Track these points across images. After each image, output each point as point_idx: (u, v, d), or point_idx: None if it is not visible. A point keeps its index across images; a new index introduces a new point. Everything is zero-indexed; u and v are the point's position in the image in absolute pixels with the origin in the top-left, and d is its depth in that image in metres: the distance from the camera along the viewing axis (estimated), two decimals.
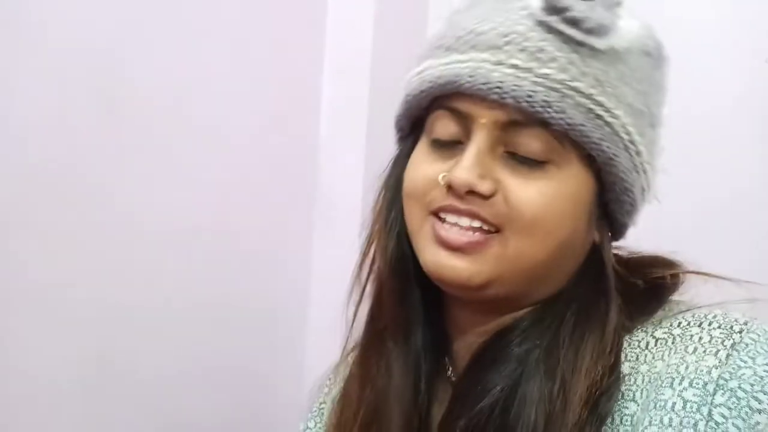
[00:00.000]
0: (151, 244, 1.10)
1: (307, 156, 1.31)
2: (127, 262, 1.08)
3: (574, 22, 0.57)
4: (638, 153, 0.61)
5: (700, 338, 0.57)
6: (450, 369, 0.68)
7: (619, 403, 0.58)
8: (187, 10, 1.14)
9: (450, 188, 0.59)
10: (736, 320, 0.58)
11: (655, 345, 0.59)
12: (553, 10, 0.57)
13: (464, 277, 0.59)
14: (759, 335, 0.56)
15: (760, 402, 0.53)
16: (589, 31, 0.57)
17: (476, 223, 0.59)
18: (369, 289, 0.70)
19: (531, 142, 0.58)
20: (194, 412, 1.14)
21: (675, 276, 0.64)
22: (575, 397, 0.57)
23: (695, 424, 0.53)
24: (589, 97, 0.57)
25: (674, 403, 0.55)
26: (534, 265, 0.60)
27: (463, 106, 0.59)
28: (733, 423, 0.53)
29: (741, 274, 0.61)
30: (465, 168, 0.58)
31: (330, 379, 0.78)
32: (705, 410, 0.54)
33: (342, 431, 0.69)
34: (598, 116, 0.58)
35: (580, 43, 0.57)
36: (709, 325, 0.58)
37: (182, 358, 1.14)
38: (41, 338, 0.99)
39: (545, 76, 0.57)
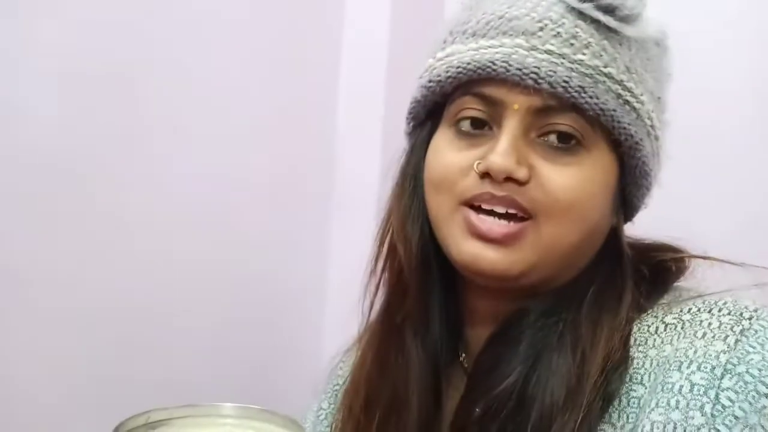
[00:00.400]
0: (171, 235, 1.11)
1: (325, 145, 1.32)
2: (147, 252, 1.09)
3: (608, 10, 0.58)
4: (657, 138, 0.63)
5: (710, 324, 0.58)
6: (463, 355, 0.69)
7: (627, 385, 0.59)
8: (203, 3, 1.15)
9: (485, 175, 0.59)
10: (746, 307, 0.58)
11: (665, 330, 0.60)
12: None
13: (502, 269, 0.60)
14: None
15: (767, 386, 0.54)
16: (622, 19, 0.58)
17: (512, 210, 0.60)
18: (384, 280, 0.70)
19: (565, 129, 0.59)
20: (213, 394, 1.17)
21: (681, 261, 0.66)
22: (592, 369, 0.59)
23: (702, 407, 0.54)
24: (620, 83, 0.59)
25: (681, 386, 0.55)
26: (568, 250, 0.61)
27: (495, 91, 0.60)
28: (739, 406, 0.53)
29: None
30: (502, 153, 0.58)
31: (344, 362, 0.79)
32: (712, 393, 0.54)
33: (360, 421, 0.69)
34: (627, 102, 0.60)
35: (612, 30, 0.59)
36: (719, 311, 0.58)
37: (202, 346, 1.16)
38: (62, 326, 1.01)
39: (580, 62, 0.58)
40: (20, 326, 0.98)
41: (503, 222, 0.60)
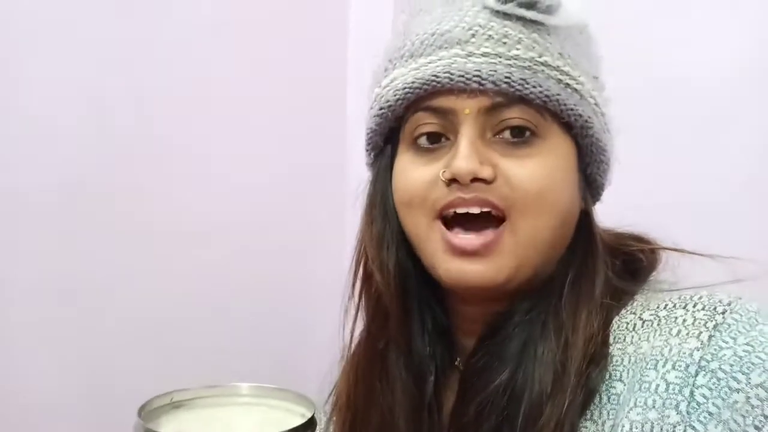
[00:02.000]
0: (193, 239, 1.15)
1: (336, 148, 1.35)
2: (170, 256, 1.13)
3: (529, 5, 0.60)
4: (603, 114, 0.65)
5: (684, 320, 0.58)
6: (458, 358, 0.70)
7: (607, 382, 0.59)
8: (214, 15, 1.19)
9: (453, 182, 0.61)
10: (720, 301, 0.59)
11: (642, 326, 0.61)
12: None
13: (489, 278, 0.61)
14: (741, 315, 0.57)
15: (738, 381, 0.54)
16: (544, 11, 0.61)
17: (486, 209, 0.61)
18: (362, 306, 0.71)
19: (515, 120, 0.61)
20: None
21: (652, 252, 0.67)
22: (575, 353, 0.60)
23: (677, 405, 0.55)
24: (557, 68, 0.61)
25: (657, 385, 0.56)
26: (546, 243, 0.63)
27: (444, 102, 0.62)
28: (713, 403, 0.54)
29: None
30: (464, 157, 0.60)
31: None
32: (687, 391, 0.55)
33: None
34: (568, 85, 0.61)
35: (537, 23, 0.61)
36: (694, 306, 0.59)
37: (227, 345, 1.19)
38: (80, 336, 1.04)
39: (516, 57, 0.60)
40: (48, 334, 1.02)
41: (479, 235, 0.61)
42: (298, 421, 0.57)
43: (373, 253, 0.68)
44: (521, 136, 0.61)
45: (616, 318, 0.63)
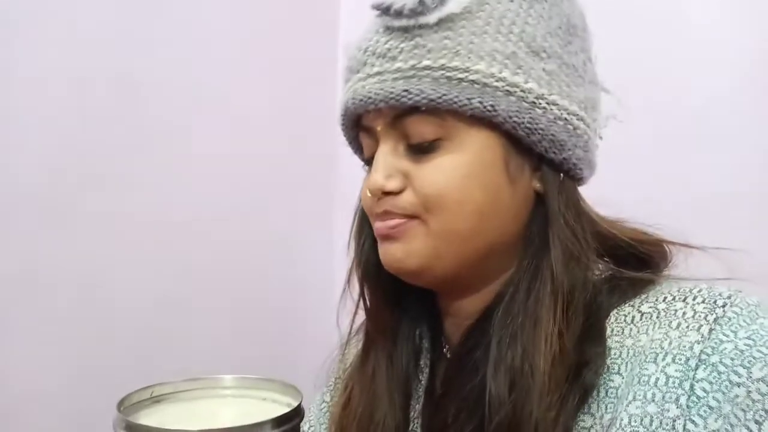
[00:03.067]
0: (181, 233, 1.14)
1: (326, 145, 1.33)
2: (152, 249, 1.12)
3: (397, 13, 0.61)
4: (524, 91, 0.61)
5: (684, 313, 0.58)
6: (446, 347, 0.71)
7: (605, 376, 0.59)
8: (203, 9, 1.18)
9: (372, 196, 0.64)
10: (720, 294, 0.58)
11: (641, 319, 0.60)
12: (382, 10, 0.62)
13: (399, 259, 0.63)
14: (742, 308, 0.57)
15: (739, 375, 0.53)
16: (414, 13, 0.60)
17: (396, 219, 0.63)
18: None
19: (418, 129, 0.62)
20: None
21: (659, 246, 0.66)
22: (539, 363, 0.58)
23: (677, 399, 0.54)
24: (441, 68, 0.60)
25: (657, 379, 0.56)
26: (467, 235, 0.62)
27: (366, 121, 0.65)
28: (713, 396, 0.53)
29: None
30: (374, 173, 0.63)
31: (341, 356, 0.80)
32: (687, 385, 0.54)
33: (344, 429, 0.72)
34: (460, 79, 0.60)
35: (411, 28, 0.61)
36: (694, 299, 0.59)
37: (220, 335, 1.19)
38: (68, 325, 1.04)
39: (398, 69, 0.61)
40: (43, 323, 1.01)
41: (393, 221, 0.63)
42: (284, 410, 0.54)
43: (355, 251, 0.72)
44: (423, 143, 0.62)
45: (615, 310, 0.62)
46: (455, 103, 0.60)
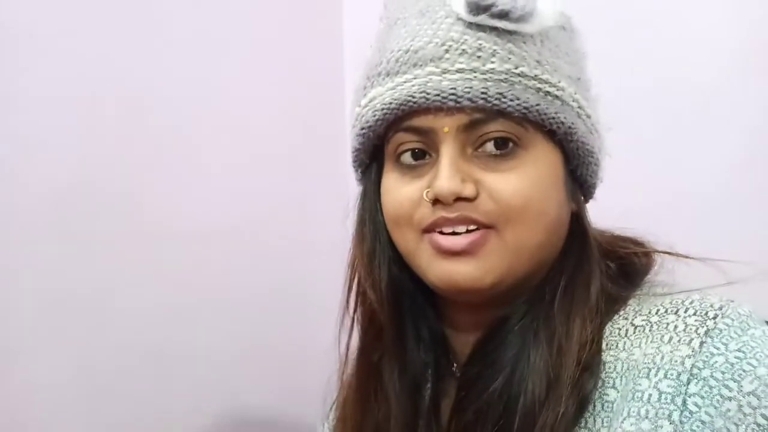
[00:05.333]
0: (185, 244, 1.14)
1: (331, 148, 1.34)
2: (164, 262, 1.12)
3: (502, 15, 0.59)
4: (588, 116, 0.64)
5: (676, 327, 0.58)
6: (454, 365, 0.70)
7: (600, 390, 0.59)
8: (207, 13, 1.19)
9: (437, 202, 0.61)
10: (711, 305, 0.58)
11: (634, 332, 0.60)
12: (479, 9, 0.59)
13: (477, 278, 0.61)
14: (733, 319, 0.57)
15: (730, 390, 0.53)
16: (518, 20, 0.59)
17: (472, 227, 0.61)
18: (357, 318, 0.71)
19: (496, 133, 0.60)
20: (235, 392, 1.20)
21: (647, 255, 0.66)
22: (569, 360, 0.60)
23: (670, 415, 0.55)
24: (535, 78, 0.60)
25: (650, 395, 0.56)
26: (535, 250, 0.62)
27: (423, 121, 0.61)
28: (705, 411, 0.54)
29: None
30: (446, 177, 0.60)
31: (342, 383, 0.78)
32: (679, 400, 0.55)
33: None
34: (548, 93, 0.61)
35: (512, 33, 0.60)
36: (685, 312, 0.59)
37: (223, 347, 1.19)
38: (84, 341, 1.04)
39: (491, 71, 0.59)
40: (61, 339, 1.02)
41: (467, 235, 0.61)
42: None
43: (365, 272, 0.68)
44: (503, 149, 0.61)
45: (609, 324, 0.62)
46: (545, 115, 0.60)
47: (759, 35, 0.97)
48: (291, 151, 1.31)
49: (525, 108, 0.60)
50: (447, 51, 0.60)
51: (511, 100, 0.59)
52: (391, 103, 0.62)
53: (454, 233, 0.61)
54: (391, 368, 0.69)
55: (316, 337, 1.27)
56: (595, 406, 0.59)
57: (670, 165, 1.02)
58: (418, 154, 0.63)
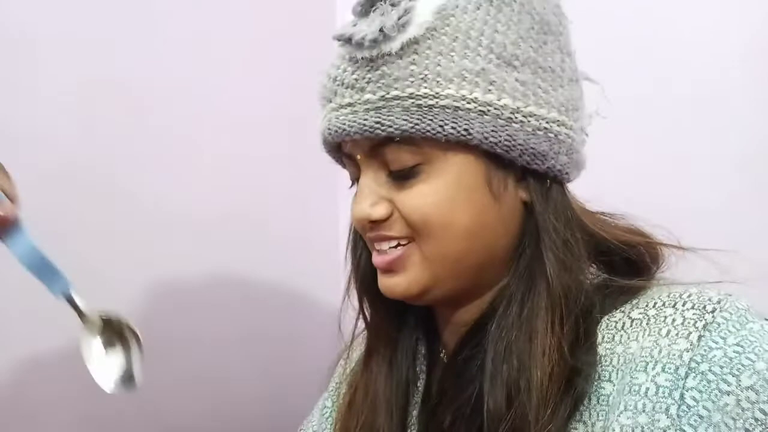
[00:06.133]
0: (183, 234, 1.14)
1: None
2: (162, 255, 1.12)
3: (359, 45, 0.60)
4: (498, 108, 0.59)
5: (674, 320, 0.58)
6: (443, 352, 0.71)
7: (596, 383, 0.59)
8: (205, 10, 1.19)
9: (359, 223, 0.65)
10: (710, 299, 0.58)
11: (631, 326, 0.60)
12: (344, 40, 0.61)
13: (402, 290, 0.64)
14: (731, 314, 0.57)
15: (728, 384, 0.53)
16: (375, 44, 0.59)
17: (392, 243, 0.64)
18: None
19: (395, 157, 0.61)
20: (231, 382, 1.20)
21: (652, 247, 0.65)
22: (536, 376, 0.59)
23: (667, 409, 0.54)
24: (410, 96, 0.59)
25: (647, 389, 0.56)
26: (458, 258, 0.63)
27: (346, 149, 0.65)
28: (703, 405, 0.54)
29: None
30: (357, 203, 0.64)
31: (344, 360, 0.81)
32: (677, 394, 0.54)
33: None
34: (428, 106, 0.59)
35: (376, 58, 0.60)
36: (683, 305, 0.58)
37: (221, 339, 1.19)
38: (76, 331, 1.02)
39: (367, 101, 0.60)
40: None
41: (390, 252, 0.64)
42: None
43: (352, 265, 0.73)
44: (404, 169, 0.62)
45: (606, 317, 0.62)
46: (428, 131, 0.59)
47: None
48: (285, 144, 1.30)
49: (403, 130, 0.59)
50: (338, 86, 0.63)
51: (389, 126, 0.60)
52: (322, 135, 0.66)
53: (380, 251, 0.65)
54: (384, 353, 0.72)
55: (311, 327, 1.30)
56: (590, 399, 0.59)
57: (672, 161, 1.00)
58: (357, 176, 0.66)
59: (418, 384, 0.72)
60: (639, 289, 0.63)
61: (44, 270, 0.69)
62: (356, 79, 0.61)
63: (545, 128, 0.61)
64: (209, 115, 1.19)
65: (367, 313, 0.73)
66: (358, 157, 0.64)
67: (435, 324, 0.72)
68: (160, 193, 1.12)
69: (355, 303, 0.74)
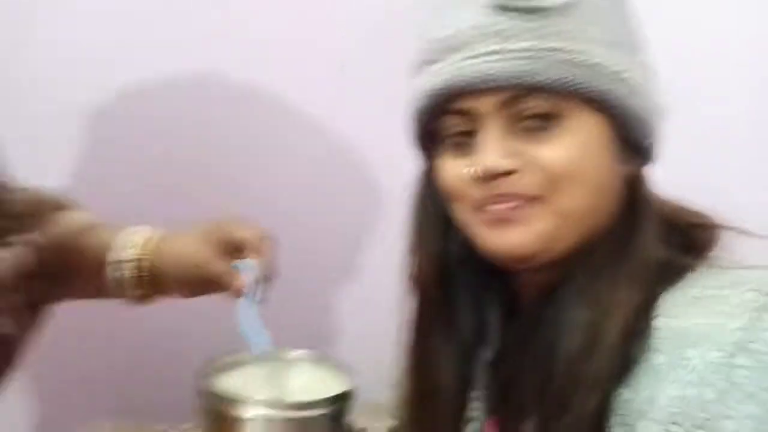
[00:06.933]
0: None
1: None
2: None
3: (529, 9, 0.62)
4: (628, 79, 0.64)
5: (732, 300, 0.58)
6: (514, 307, 0.74)
7: (648, 353, 0.60)
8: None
9: (480, 178, 0.64)
10: None
11: (689, 302, 0.61)
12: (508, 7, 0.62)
13: (520, 243, 0.64)
14: None
15: None
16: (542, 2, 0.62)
17: (513, 203, 0.64)
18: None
19: (535, 108, 0.63)
20: None
21: (712, 229, 0.67)
22: (612, 324, 0.62)
23: (714, 384, 0.55)
24: (563, 50, 0.62)
25: (697, 364, 0.56)
26: (583, 214, 0.64)
27: (464, 103, 0.65)
28: (751, 383, 0.54)
29: None
30: (485, 153, 0.63)
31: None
32: (726, 371, 0.55)
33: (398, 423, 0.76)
34: (577, 63, 0.62)
35: (535, 10, 0.62)
36: (743, 286, 0.59)
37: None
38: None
39: (520, 49, 0.62)
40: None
41: (512, 204, 0.64)
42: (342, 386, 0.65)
43: (416, 241, 0.74)
44: (542, 122, 0.63)
45: (665, 292, 0.63)
46: (579, 84, 0.62)
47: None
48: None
49: (557, 81, 0.62)
50: (479, 34, 0.63)
51: (541, 76, 0.62)
52: (432, 89, 0.65)
53: (497, 211, 0.65)
54: (440, 336, 0.73)
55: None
56: (640, 367, 0.60)
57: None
58: (465, 134, 0.66)
59: (487, 336, 0.74)
60: (698, 268, 0.64)
61: (254, 332, 0.72)
62: (508, 28, 0.62)
63: (655, 106, 0.68)
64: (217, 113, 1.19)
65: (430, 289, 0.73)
66: (485, 109, 0.63)
67: (508, 279, 0.74)
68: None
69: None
